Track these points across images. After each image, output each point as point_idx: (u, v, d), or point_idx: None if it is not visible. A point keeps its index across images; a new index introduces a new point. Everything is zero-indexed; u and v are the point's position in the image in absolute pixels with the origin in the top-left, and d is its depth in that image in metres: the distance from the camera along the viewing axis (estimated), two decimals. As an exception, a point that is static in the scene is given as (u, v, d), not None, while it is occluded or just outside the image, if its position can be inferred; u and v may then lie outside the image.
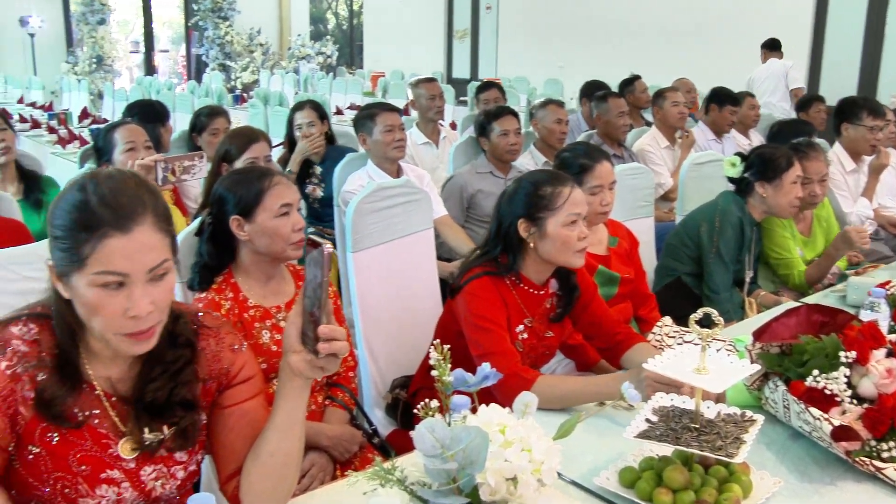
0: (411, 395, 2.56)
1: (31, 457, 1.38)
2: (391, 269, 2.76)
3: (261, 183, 2.18)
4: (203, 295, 2.15)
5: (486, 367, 1.44)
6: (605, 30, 11.24)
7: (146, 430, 1.43)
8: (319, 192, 4.16)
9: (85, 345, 1.41)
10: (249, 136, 3.16)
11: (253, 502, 1.51)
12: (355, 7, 19.49)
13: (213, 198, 2.24)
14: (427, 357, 2.56)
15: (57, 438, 1.38)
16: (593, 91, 5.58)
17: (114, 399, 1.43)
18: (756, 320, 2.61)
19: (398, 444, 2.35)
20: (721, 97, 5.38)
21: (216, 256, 2.22)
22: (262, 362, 2.12)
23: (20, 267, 2.11)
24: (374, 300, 2.70)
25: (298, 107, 4.26)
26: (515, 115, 4.12)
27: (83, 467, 1.40)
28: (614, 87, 5.95)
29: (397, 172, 3.69)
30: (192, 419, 1.48)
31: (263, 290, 2.22)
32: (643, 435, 1.62)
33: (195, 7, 16.89)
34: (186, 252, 2.28)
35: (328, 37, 17.89)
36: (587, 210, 2.28)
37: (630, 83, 6.20)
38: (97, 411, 1.42)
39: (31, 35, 15.14)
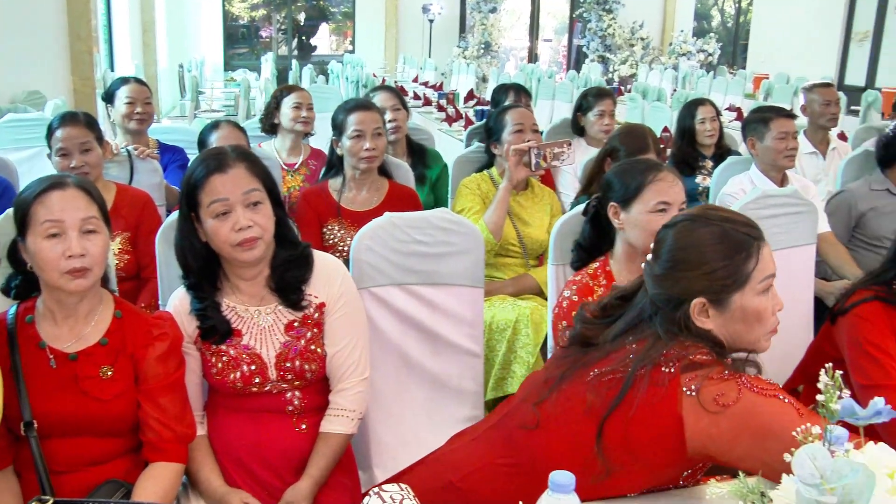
0: (770, 415, 2.43)
1: None
2: (766, 281, 2.63)
3: (644, 176, 2.17)
4: (578, 278, 2.20)
5: (879, 402, 1.31)
6: None
7: None
8: (708, 182, 4.14)
9: None
10: (640, 138, 3.06)
11: None
12: (743, 4, 18.69)
13: (602, 182, 2.29)
14: (791, 380, 2.42)
15: None
16: None
17: None
18: None
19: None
20: None
21: (593, 239, 2.28)
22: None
23: (414, 231, 2.33)
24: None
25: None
26: None
27: None
28: None
29: (781, 181, 3.49)
30: None
31: (636, 283, 2.22)
32: None
33: (581, -1, 17.35)
34: (566, 235, 2.38)
35: (711, 34, 17.34)
36: None
37: None
38: None
39: (431, 21, 16.63)
